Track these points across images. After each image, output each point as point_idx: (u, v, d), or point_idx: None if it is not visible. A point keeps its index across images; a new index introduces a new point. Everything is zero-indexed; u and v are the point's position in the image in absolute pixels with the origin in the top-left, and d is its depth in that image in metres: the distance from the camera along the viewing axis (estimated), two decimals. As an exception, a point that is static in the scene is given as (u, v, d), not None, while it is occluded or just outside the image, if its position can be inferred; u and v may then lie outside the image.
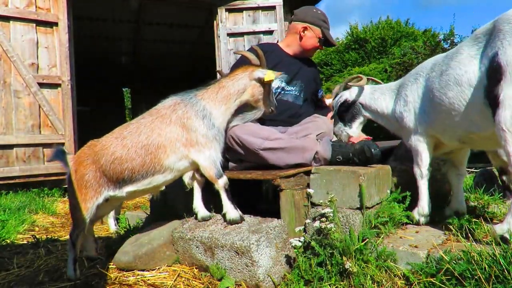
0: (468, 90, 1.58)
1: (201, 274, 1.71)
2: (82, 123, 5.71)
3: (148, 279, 1.68)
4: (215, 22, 5.93)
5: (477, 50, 1.58)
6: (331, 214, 1.66)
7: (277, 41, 5.07)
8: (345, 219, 1.76)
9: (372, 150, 1.93)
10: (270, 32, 5.85)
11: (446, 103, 1.68)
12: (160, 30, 8.11)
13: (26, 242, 2.64)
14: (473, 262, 1.31)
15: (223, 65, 5.77)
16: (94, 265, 1.90)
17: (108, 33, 8.19)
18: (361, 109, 2.26)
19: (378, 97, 2.19)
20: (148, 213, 2.53)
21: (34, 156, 4.71)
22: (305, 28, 2.52)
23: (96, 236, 2.26)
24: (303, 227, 1.79)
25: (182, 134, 1.76)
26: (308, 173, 1.94)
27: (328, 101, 2.76)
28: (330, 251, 1.58)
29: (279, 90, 2.47)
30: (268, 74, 1.88)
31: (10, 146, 4.58)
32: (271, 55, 2.46)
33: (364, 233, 1.62)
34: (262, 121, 2.26)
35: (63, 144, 4.84)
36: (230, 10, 5.87)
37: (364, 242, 1.57)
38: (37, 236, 2.66)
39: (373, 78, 2.62)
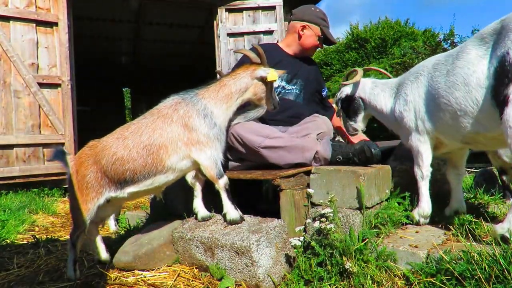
0: (475, 90, 1.57)
1: (201, 274, 1.71)
2: (82, 123, 5.72)
3: (148, 279, 1.67)
4: (215, 22, 5.93)
5: (485, 50, 1.57)
6: (331, 214, 1.66)
7: (277, 41, 5.07)
8: (345, 219, 1.76)
9: (372, 150, 1.93)
10: (270, 32, 5.85)
11: (453, 103, 1.67)
12: (160, 30, 8.11)
13: (26, 242, 2.64)
14: (473, 262, 1.31)
15: (223, 65, 5.77)
16: (94, 265, 1.89)
17: (108, 33, 8.20)
18: (361, 104, 2.26)
19: (378, 93, 2.17)
20: (148, 213, 2.53)
21: (34, 156, 4.71)
22: (303, 27, 2.50)
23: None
24: (303, 227, 1.79)
25: (183, 134, 1.75)
26: (308, 173, 1.94)
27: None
28: (330, 251, 1.58)
29: (279, 89, 2.47)
30: (271, 73, 1.87)
31: (10, 146, 4.58)
32: (271, 55, 2.45)
33: (364, 233, 1.62)
34: (263, 120, 2.26)
35: (63, 144, 4.84)
36: (230, 10, 5.87)
37: (364, 242, 1.57)
38: (37, 236, 2.66)
39: (382, 71, 2.60)
